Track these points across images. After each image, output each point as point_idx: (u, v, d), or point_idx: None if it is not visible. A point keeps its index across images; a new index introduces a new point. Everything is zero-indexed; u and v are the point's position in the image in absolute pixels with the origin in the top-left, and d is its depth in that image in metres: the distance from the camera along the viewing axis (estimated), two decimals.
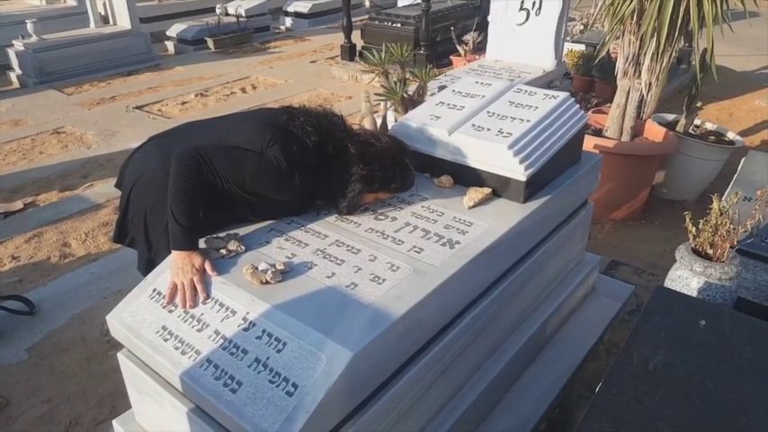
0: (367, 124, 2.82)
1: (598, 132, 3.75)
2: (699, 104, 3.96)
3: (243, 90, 6.82)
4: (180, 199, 1.62)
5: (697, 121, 4.08)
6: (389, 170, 1.81)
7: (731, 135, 3.99)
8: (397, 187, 1.88)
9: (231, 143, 1.73)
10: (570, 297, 2.44)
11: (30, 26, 7.13)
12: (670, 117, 4.17)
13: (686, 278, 2.07)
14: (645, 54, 3.22)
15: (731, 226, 2.03)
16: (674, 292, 1.84)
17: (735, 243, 2.06)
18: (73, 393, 2.46)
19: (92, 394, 2.45)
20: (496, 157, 1.95)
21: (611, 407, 1.21)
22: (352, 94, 6.41)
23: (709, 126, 4.10)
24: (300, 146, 1.72)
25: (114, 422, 1.83)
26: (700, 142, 3.84)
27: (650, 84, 3.30)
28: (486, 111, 2.17)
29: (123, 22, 7.95)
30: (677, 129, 3.95)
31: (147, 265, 1.86)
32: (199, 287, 1.58)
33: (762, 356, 1.39)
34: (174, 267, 1.61)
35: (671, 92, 5.61)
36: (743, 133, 4.73)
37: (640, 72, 3.33)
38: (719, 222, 2.04)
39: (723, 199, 2.27)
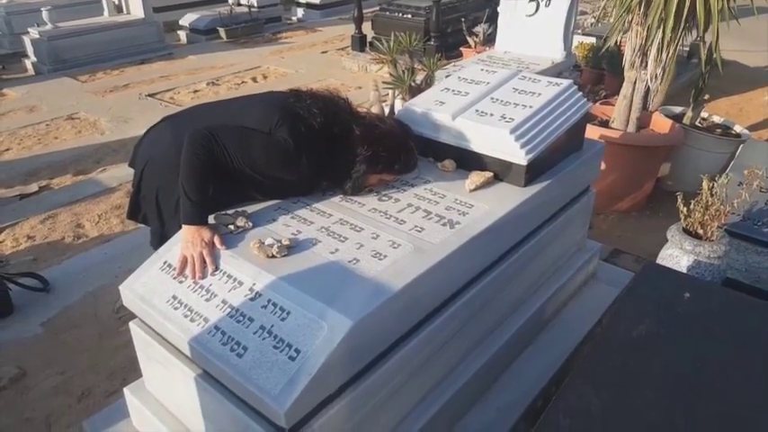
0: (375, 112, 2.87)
1: (605, 123, 3.77)
2: (706, 97, 3.97)
3: (254, 80, 6.88)
4: (191, 176, 1.69)
5: (704, 114, 4.09)
6: (393, 152, 1.86)
7: (738, 128, 4.00)
8: (401, 169, 1.93)
9: (241, 124, 1.79)
10: (570, 282, 2.48)
11: (45, 14, 7.24)
12: (677, 110, 4.18)
13: (677, 256, 2.11)
14: (651, 45, 3.24)
15: (720, 205, 2.06)
16: (663, 267, 1.88)
17: (723, 222, 2.09)
18: (85, 366, 2.55)
19: (103, 367, 2.54)
20: (498, 141, 1.99)
21: (594, 371, 1.26)
22: (362, 84, 6.44)
23: (716, 119, 4.11)
24: (307, 127, 1.78)
25: (125, 390, 1.91)
26: (706, 135, 3.85)
27: (656, 75, 3.32)
28: (490, 97, 2.21)
29: (136, 11, 8.05)
30: (684, 121, 3.97)
31: (160, 241, 1.93)
32: (208, 260, 1.64)
33: (745, 329, 1.44)
34: (185, 241, 1.67)
35: (680, 86, 5.60)
36: (752, 128, 4.72)
37: (647, 63, 3.35)
38: (709, 203, 2.07)
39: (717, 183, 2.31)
